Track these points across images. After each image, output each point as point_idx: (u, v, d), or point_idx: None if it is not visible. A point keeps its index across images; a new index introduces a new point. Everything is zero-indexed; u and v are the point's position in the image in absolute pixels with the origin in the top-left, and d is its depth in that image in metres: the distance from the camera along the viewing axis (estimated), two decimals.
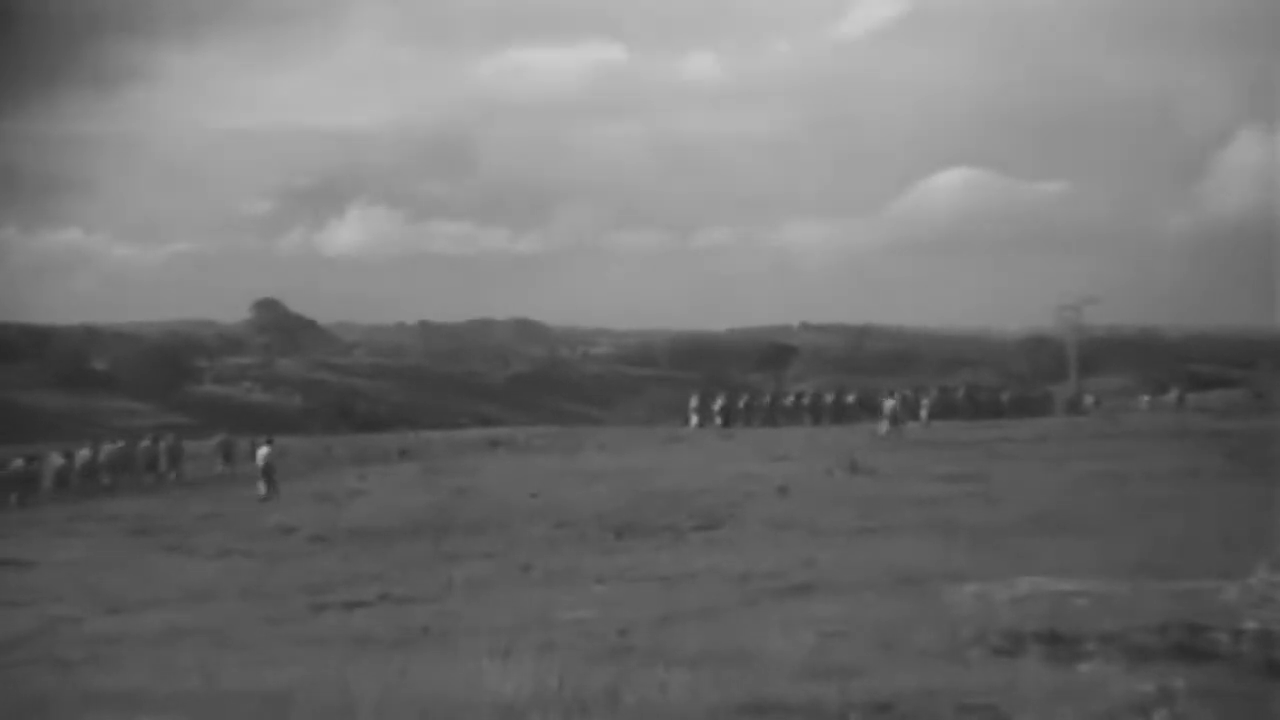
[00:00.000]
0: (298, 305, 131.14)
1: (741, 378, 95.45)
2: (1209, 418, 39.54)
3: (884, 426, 38.31)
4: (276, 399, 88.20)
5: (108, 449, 34.28)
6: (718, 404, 47.26)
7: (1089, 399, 50.51)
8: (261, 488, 29.14)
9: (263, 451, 30.15)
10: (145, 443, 35.54)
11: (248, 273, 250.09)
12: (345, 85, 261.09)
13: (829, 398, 48.29)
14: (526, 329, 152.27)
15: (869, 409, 46.06)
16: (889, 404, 40.59)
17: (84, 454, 33.58)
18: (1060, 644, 8.43)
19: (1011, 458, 28.45)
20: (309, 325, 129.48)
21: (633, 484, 26.12)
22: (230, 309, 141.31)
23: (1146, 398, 51.13)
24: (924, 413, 42.83)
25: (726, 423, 45.47)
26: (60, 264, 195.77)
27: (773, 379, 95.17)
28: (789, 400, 49.90)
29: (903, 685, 7.40)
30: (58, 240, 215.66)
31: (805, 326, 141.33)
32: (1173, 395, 49.92)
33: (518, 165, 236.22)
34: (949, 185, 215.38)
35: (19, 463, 31.61)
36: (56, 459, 32.75)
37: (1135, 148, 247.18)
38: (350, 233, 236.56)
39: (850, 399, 47.60)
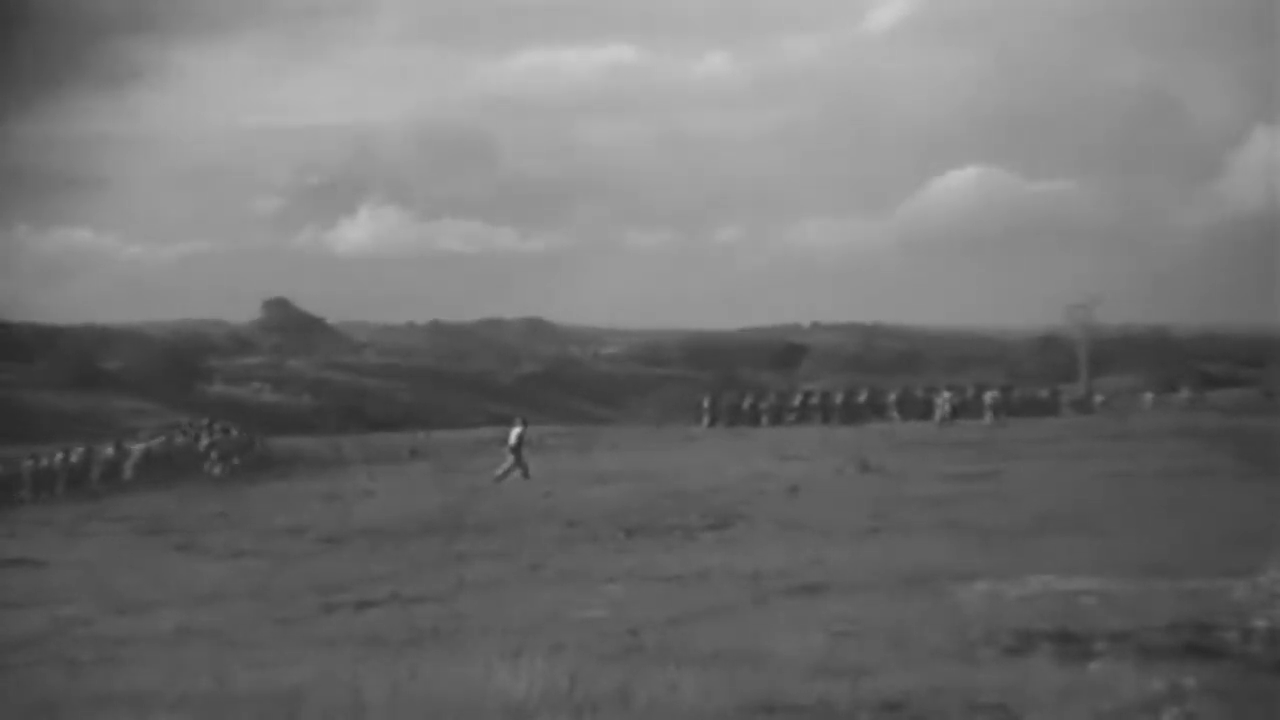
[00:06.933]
0: (308, 304, 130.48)
1: (753, 377, 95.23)
2: (1219, 416, 39.47)
3: (988, 417, 39.42)
4: (286, 398, 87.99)
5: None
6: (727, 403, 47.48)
7: (1098, 398, 50.38)
8: (504, 466, 29.77)
9: (516, 430, 30.70)
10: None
11: (258, 272, 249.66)
12: (357, 84, 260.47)
13: (839, 397, 48.32)
14: (537, 328, 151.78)
15: (877, 409, 46.39)
16: (989, 395, 42.08)
17: (138, 448, 36.10)
18: (1070, 643, 8.42)
19: (1021, 457, 28.42)
20: (319, 324, 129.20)
21: (644, 483, 26.12)
22: (241, 308, 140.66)
23: (1150, 395, 50.88)
24: (938, 413, 43.18)
25: (732, 422, 45.63)
26: (71, 264, 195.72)
27: (784, 378, 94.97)
28: (799, 400, 49.94)
29: (913, 684, 7.40)
30: (68, 240, 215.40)
31: (817, 326, 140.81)
32: (1183, 394, 49.72)
33: (530, 164, 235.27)
34: (962, 184, 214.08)
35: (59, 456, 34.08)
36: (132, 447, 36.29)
37: (1146, 146, 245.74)
38: (361, 231, 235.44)
39: (861, 398, 47.64)
